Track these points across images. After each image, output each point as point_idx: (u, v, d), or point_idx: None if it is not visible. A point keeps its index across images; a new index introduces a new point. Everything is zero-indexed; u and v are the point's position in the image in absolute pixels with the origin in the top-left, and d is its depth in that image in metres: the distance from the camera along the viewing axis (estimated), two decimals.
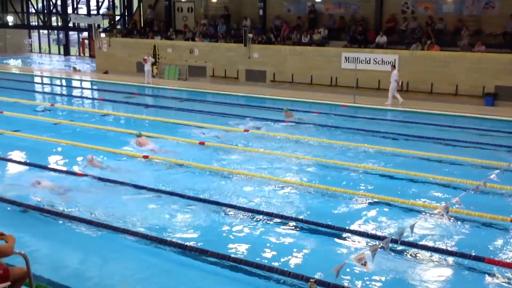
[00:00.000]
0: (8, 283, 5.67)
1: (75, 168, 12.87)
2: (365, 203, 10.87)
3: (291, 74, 25.73)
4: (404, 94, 22.84)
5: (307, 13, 27.71)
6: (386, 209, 10.55)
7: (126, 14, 36.35)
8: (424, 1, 25.06)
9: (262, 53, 26.51)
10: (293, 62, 25.68)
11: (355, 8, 26.70)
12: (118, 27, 35.17)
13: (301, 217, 10.02)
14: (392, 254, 8.33)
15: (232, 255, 8.40)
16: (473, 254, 8.40)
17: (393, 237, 6.93)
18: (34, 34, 44.72)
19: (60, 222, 9.75)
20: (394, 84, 21.24)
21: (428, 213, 10.16)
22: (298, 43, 26.21)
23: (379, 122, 18.55)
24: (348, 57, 24.01)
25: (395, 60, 23.10)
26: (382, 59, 23.41)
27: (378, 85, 23.58)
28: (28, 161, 13.44)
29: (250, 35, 26.59)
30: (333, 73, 24.57)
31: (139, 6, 34.60)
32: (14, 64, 36.62)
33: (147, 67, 26.75)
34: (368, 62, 23.48)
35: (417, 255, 8.60)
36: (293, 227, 9.65)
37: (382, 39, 24.36)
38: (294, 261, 8.42)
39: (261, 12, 28.71)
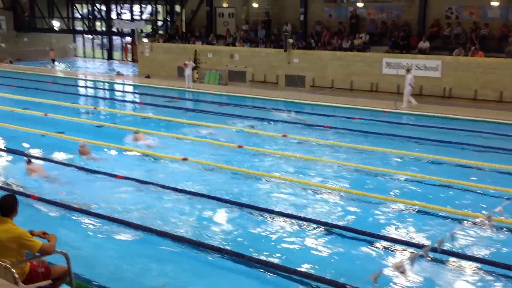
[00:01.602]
0: (49, 281, 5.80)
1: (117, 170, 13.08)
2: (404, 210, 10.70)
3: (331, 79, 25.58)
4: (447, 100, 22.51)
5: (349, 18, 27.53)
6: (426, 217, 10.36)
7: (169, 19, 36.84)
8: (469, 7, 24.53)
9: (302, 59, 26.45)
10: (333, 68, 25.53)
11: (398, 13, 26.37)
12: (160, 32, 35.67)
13: (338, 223, 9.93)
14: (432, 262, 8.16)
15: (270, 260, 8.38)
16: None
17: (432, 245, 6.80)
18: (79, 38, 45.82)
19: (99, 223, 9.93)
20: (409, 88, 21.35)
21: (470, 221, 9.92)
22: (338, 49, 26.04)
23: (420, 128, 18.22)
24: (390, 63, 23.71)
25: (438, 65, 22.70)
26: (424, 65, 23.03)
27: (420, 91, 23.19)
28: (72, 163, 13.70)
29: (290, 40, 26.57)
30: (373, 78, 24.30)
31: (181, 12, 35.02)
32: (59, 68, 37.56)
33: (188, 71, 27.04)
34: (410, 67, 23.10)
35: (457, 264, 8.40)
36: (330, 233, 9.56)
37: (425, 44, 23.98)
38: (330, 267, 8.32)
39: (302, 17, 28.65)
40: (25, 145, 15.49)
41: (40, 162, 13.71)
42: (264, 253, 8.72)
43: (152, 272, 8.12)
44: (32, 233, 5.78)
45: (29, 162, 12.72)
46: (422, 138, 16.60)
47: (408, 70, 21.89)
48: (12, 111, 20.78)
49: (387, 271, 7.29)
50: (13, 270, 5.27)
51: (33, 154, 14.41)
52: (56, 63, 36.17)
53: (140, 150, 14.97)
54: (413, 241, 9.16)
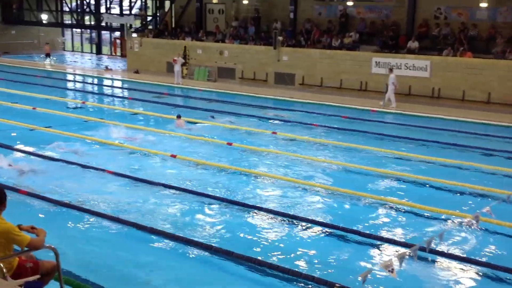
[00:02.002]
0: (38, 276, 5.76)
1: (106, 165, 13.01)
2: (392, 209, 10.76)
3: (320, 77, 25.65)
4: (435, 101, 22.66)
5: (339, 16, 27.59)
6: (414, 217, 10.43)
7: (158, 14, 36.68)
8: (458, 7, 24.70)
9: (291, 56, 26.48)
10: (322, 66, 25.60)
11: (387, 13, 26.48)
12: (150, 27, 35.51)
13: (326, 221, 9.96)
14: (420, 262, 8.21)
15: (258, 258, 8.40)
16: (503, 265, 8.23)
17: (421, 245, 6.84)
18: (68, 32, 45.47)
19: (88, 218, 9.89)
20: (392, 87, 21.54)
21: (458, 221, 10.00)
22: (328, 47, 26.11)
23: (408, 128, 18.33)
24: (379, 62, 23.82)
25: (426, 65, 22.85)
26: (413, 65, 23.16)
27: (409, 91, 23.34)
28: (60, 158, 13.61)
29: (280, 38, 26.58)
30: (363, 77, 24.41)
31: (170, 7, 34.89)
32: (47, 62, 37.26)
33: (177, 67, 26.95)
34: (399, 67, 23.23)
35: (446, 264, 8.47)
36: (319, 232, 9.60)
37: (413, 44, 24.12)
38: (319, 266, 8.35)
39: (292, 15, 28.68)
40: (13, 139, 15.34)
41: (28, 156, 13.63)
42: (253, 250, 8.73)
43: (141, 269, 8.10)
44: (20, 228, 5.73)
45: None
46: (410, 138, 16.71)
47: (391, 70, 22.10)
48: (0, 104, 20.60)
49: (375, 271, 7.36)
50: (1, 265, 5.23)
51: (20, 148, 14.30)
52: (51, 57, 35.29)
53: (128, 146, 14.91)
54: (402, 240, 9.20)
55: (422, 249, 6.97)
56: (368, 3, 26.98)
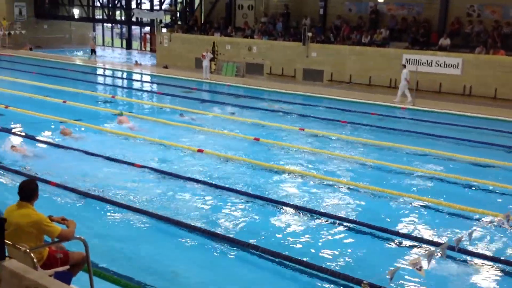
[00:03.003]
0: (67, 267, 5.85)
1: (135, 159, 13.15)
2: (421, 207, 10.64)
3: (349, 74, 25.44)
4: (467, 99, 22.29)
5: (369, 13, 27.33)
6: (443, 215, 10.30)
7: (188, 10, 36.84)
8: (491, 5, 24.21)
9: (320, 53, 26.33)
10: (352, 63, 25.39)
11: (419, 10, 26.11)
12: (179, 23, 35.69)
13: (354, 218, 9.90)
14: (448, 260, 8.11)
15: (283, 252, 8.39)
16: None
17: (450, 244, 6.75)
18: (98, 27, 45.96)
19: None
20: (405, 83, 21.51)
21: (488, 220, 9.84)
22: (358, 44, 25.88)
23: (438, 126, 18.06)
24: (409, 59, 23.51)
25: (458, 63, 22.49)
26: (444, 62, 22.81)
27: (440, 88, 23.01)
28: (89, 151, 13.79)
29: (309, 34, 26.45)
30: (392, 74, 24.12)
31: (200, 3, 35.01)
32: (78, 56, 37.80)
33: (206, 63, 27.04)
34: (430, 64, 22.91)
35: (475, 263, 8.34)
36: (346, 229, 9.54)
37: (445, 41, 23.73)
38: (346, 262, 8.31)
39: (321, 11, 28.51)
40: (44, 131, 15.61)
41: (56, 148, 13.87)
42: (278, 245, 8.73)
43: (164, 260, 8.17)
44: (51, 219, 5.83)
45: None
46: (440, 136, 16.48)
47: (404, 66, 22.05)
48: (31, 97, 20.97)
49: (404, 268, 7.30)
50: (32, 255, 5.32)
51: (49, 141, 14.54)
52: (95, 53, 34.42)
53: (156, 140, 15.02)
54: (430, 238, 9.10)
55: (451, 248, 6.89)
56: None
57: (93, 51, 33.47)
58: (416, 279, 7.57)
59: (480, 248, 8.79)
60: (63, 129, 15.41)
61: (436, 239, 9.03)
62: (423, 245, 8.83)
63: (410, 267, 5.77)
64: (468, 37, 24.01)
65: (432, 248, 6.84)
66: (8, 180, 11.41)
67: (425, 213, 10.43)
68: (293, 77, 27.27)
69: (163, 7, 38.05)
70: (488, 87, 22.05)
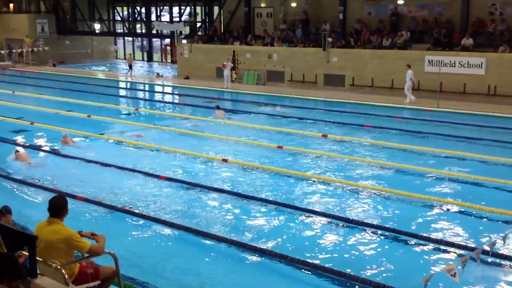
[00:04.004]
0: (98, 282, 5.86)
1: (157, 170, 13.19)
2: (451, 211, 10.46)
3: (371, 78, 25.27)
4: (491, 98, 21.95)
5: (389, 15, 27.14)
6: (475, 218, 10.11)
7: (207, 21, 37.06)
8: None
9: (341, 57, 26.21)
10: (373, 66, 25.21)
11: (440, 10, 25.84)
12: (199, 33, 35.91)
13: (382, 224, 9.77)
14: (483, 265, 7.93)
15: (312, 261, 8.31)
16: None
17: (484, 248, 6.60)
18: (120, 41, 46.50)
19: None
20: (410, 83, 21.82)
21: None
22: (378, 47, 25.71)
23: (464, 127, 17.79)
24: (432, 60, 23.26)
25: (481, 63, 22.18)
26: (468, 62, 22.51)
27: (464, 89, 22.70)
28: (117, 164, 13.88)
29: (329, 39, 26.36)
30: (415, 76, 23.80)
31: (219, 13, 35.19)
32: (100, 70, 38.24)
33: (226, 72, 27.12)
34: (453, 65, 22.64)
35: (510, 267, 8.15)
36: (375, 235, 9.42)
37: (468, 41, 23.43)
38: (376, 270, 8.19)
39: (341, 16, 28.39)
40: (70, 147, 15.76)
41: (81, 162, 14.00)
42: (306, 254, 8.65)
43: (196, 273, 8.15)
44: (81, 234, 5.86)
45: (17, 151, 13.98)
46: (465, 137, 16.23)
47: (409, 66, 22.08)
48: (56, 113, 21.23)
49: (437, 275, 7.14)
50: (63, 271, 5.33)
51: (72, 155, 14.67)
52: (132, 68, 33.16)
53: (180, 150, 15.06)
54: (463, 243, 8.92)
55: (485, 252, 6.74)
56: (419, 1, 26.42)
57: (130, 66, 33.07)
58: (451, 285, 7.41)
59: None
60: (64, 138, 15.78)
61: (469, 244, 8.85)
62: (456, 250, 8.66)
63: (444, 273, 5.64)
64: (491, 36, 23.67)
65: (466, 253, 6.71)
66: (34, 196, 11.52)
67: (455, 216, 10.25)
68: (314, 83, 27.18)
69: (183, 18, 38.32)
70: None
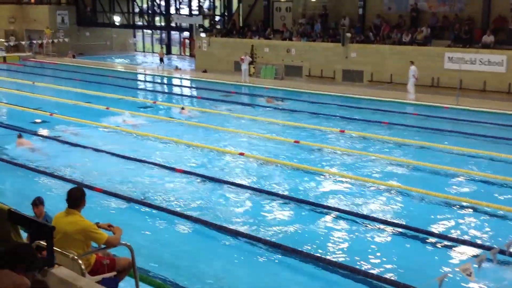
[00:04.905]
0: (114, 273, 5.92)
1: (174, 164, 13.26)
2: (468, 210, 10.37)
3: (390, 74, 25.08)
4: None
5: (409, 11, 26.89)
6: (492, 218, 10.01)
7: (226, 14, 37.06)
8: None
9: (360, 53, 26.05)
10: (392, 62, 25.01)
11: (461, 6, 25.54)
12: (218, 27, 35.92)
13: (398, 222, 9.72)
14: (499, 265, 7.87)
15: (328, 257, 8.31)
16: None
17: (501, 248, 6.55)
18: (139, 33, 46.70)
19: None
20: (413, 79, 22.12)
21: None
22: (398, 43, 25.50)
23: (483, 125, 17.60)
24: (452, 57, 23.03)
25: (502, 60, 21.91)
26: (488, 60, 22.26)
27: (484, 87, 22.45)
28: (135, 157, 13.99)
29: (348, 34, 26.20)
30: (435, 73, 23.68)
31: (238, 7, 35.16)
32: (120, 62, 38.46)
33: (244, 66, 27.12)
34: (474, 62, 22.40)
35: None
36: (391, 232, 9.38)
37: (489, 38, 23.13)
38: (393, 267, 8.16)
39: (360, 11, 28.20)
40: (87, 138, 15.89)
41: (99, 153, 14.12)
42: (321, 249, 8.65)
43: (211, 266, 8.19)
44: (98, 225, 5.91)
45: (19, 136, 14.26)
46: (485, 135, 16.06)
47: (412, 62, 22.21)
48: (75, 104, 21.42)
49: (453, 274, 7.10)
50: (80, 262, 5.39)
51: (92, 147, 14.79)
52: (163, 62, 33.61)
53: (196, 144, 15.12)
54: (479, 242, 8.85)
55: (502, 252, 6.69)
56: None
57: (161, 60, 33.33)
58: (466, 285, 7.36)
59: None
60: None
61: (485, 243, 8.77)
62: (472, 249, 8.59)
63: (460, 272, 5.61)
64: None
65: (482, 252, 6.66)
66: (55, 186, 11.65)
67: (473, 215, 10.15)
68: (332, 79, 27.07)
69: (202, 11, 38.35)
70: None
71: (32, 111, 19.75)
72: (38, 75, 29.88)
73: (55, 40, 39.71)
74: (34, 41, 39.56)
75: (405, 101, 21.70)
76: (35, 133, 16.35)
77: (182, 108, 20.16)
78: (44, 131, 16.72)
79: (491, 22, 24.34)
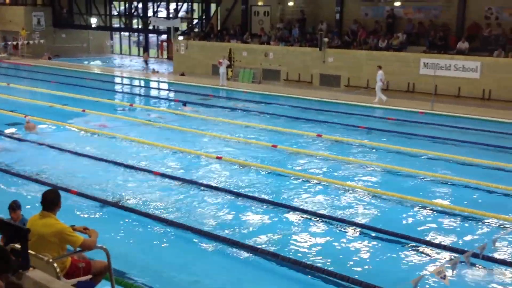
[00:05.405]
0: (90, 276, 5.87)
1: (152, 167, 13.20)
2: (442, 214, 10.52)
3: (367, 79, 25.31)
4: (486, 102, 22.09)
5: (385, 17, 27.20)
6: (466, 222, 10.17)
7: (204, 17, 37.03)
8: (509, 7, 23.96)
9: (337, 58, 26.25)
10: (369, 67, 25.23)
11: (436, 13, 25.92)
12: (196, 30, 35.87)
13: (373, 225, 9.80)
14: (473, 268, 8.00)
15: (304, 261, 8.35)
16: None
17: (474, 251, 6.66)
18: (116, 36, 46.36)
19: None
20: (380, 84, 22.51)
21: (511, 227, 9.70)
22: (375, 48, 25.77)
23: (457, 130, 17.88)
24: (427, 63, 23.36)
25: (477, 66, 22.29)
26: (463, 66, 22.61)
27: (458, 92, 22.81)
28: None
29: (326, 39, 26.39)
30: (410, 79, 23.98)
31: (216, 10, 35.16)
32: (96, 65, 38.14)
33: (222, 69, 27.12)
34: (448, 68, 22.74)
35: (499, 271, 8.21)
36: (367, 236, 9.46)
37: (464, 45, 23.51)
38: (368, 271, 8.23)
39: (337, 16, 28.43)
40: (63, 140, 15.74)
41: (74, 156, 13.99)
42: (298, 253, 8.69)
43: (187, 270, 8.17)
44: (73, 228, 5.86)
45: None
46: (459, 140, 16.31)
47: (380, 67, 22.68)
48: (51, 106, 21.18)
49: (427, 277, 7.21)
50: (55, 265, 5.34)
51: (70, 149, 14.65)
52: (147, 65, 34.05)
53: (174, 147, 15.07)
54: (454, 246, 8.97)
55: (475, 255, 6.81)
56: (416, 3, 26.50)
57: (146, 62, 33.23)
58: None
59: (505, 255, 8.65)
60: (27, 123, 16.61)
61: (459, 247, 8.90)
62: (447, 253, 8.72)
63: (434, 275, 5.69)
64: (487, 40, 23.77)
65: (456, 256, 6.76)
66: (29, 190, 11.50)
67: (447, 219, 10.29)
68: (310, 83, 27.22)
69: (179, 15, 38.27)
70: (507, 90, 21.79)
71: (7, 112, 19.46)
72: (13, 77, 29.48)
73: (31, 42, 39.21)
74: (9, 43, 38.96)
75: (381, 106, 21.92)
76: (10, 135, 16.12)
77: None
78: (18, 133, 16.48)
79: (465, 29, 24.76)
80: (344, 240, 9.30)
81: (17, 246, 5.10)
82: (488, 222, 10.09)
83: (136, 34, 44.46)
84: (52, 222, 5.72)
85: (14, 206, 7.38)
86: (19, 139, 15.76)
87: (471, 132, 17.64)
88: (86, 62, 38.31)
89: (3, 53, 39.00)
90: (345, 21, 28.45)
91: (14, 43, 39.51)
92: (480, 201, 11.26)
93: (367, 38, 26.52)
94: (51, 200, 5.82)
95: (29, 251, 5.12)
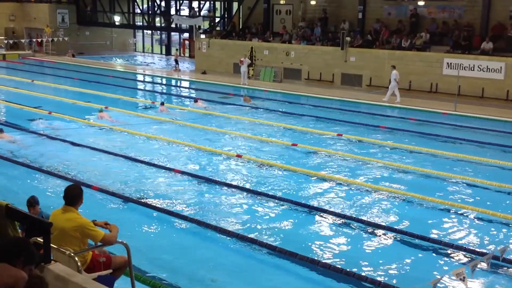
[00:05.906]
0: (110, 271, 5.94)
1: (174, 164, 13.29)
2: (464, 216, 10.42)
3: (389, 79, 25.08)
4: (510, 104, 21.76)
5: (409, 16, 26.98)
6: (488, 224, 10.05)
7: (226, 16, 37.11)
8: None
9: (359, 57, 26.11)
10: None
11: (460, 13, 25.63)
12: (218, 28, 35.96)
13: (394, 226, 9.76)
14: (493, 271, 7.91)
15: (322, 260, 8.34)
16: None
17: (494, 253, 6.59)
18: (139, 34, 46.66)
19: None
20: (394, 83, 22.35)
21: None
22: (397, 48, 25.55)
23: (481, 132, 17.65)
24: (451, 63, 23.11)
25: (501, 67, 21.99)
26: (487, 66, 22.33)
27: (482, 93, 22.53)
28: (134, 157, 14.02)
29: (348, 38, 26.27)
30: (433, 79, 23.75)
31: (238, 9, 35.22)
32: (119, 62, 38.47)
33: (243, 68, 27.16)
34: (472, 69, 22.48)
35: None
36: (386, 237, 9.42)
37: (488, 45, 23.21)
38: (387, 271, 8.19)
39: (360, 15, 28.28)
40: (86, 137, 15.92)
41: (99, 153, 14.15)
42: (316, 253, 8.69)
43: (206, 266, 8.22)
44: (95, 223, 5.93)
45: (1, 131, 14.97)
46: (483, 142, 16.11)
47: (394, 67, 22.64)
48: (74, 103, 21.43)
49: (446, 278, 7.15)
50: (76, 259, 5.42)
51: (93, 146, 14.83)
52: (178, 64, 33.12)
53: (194, 145, 15.15)
54: (474, 248, 8.89)
55: (496, 257, 6.73)
56: (440, 2, 26.23)
57: (176, 61, 33.07)
58: None
59: None
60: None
61: (480, 249, 8.82)
62: (467, 255, 8.63)
63: (453, 277, 5.65)
64: (511, 40, 23.42)
65: (476, 258, 6.70)
66: (52, 185, 11.67)
67: (468, 221, 10.20)
68: (331, 82, 27.13)
69: (202, 13, 38.40)
70: None
71: (31, 109, 19.76)
72: (38, 74, 29.88)
73: (55, 39, 39.68)
74: (34, 39, 39.46)
75: (403, 106, 21.74)
76: (34, 131, 16.37)
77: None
78: (42, 129, 16.72)
79: (490, 29, 24.43)
80: (363, 240, 9.27)
81: (39, 239, 5.19)
82: (510, 225, 9.96)
83: (158, 32, 44.71)
84: (74, 217, 5.81)
85: (33, 202, 7.46)
86: (43, 135, 15.99)
87: (494, 133, 17.40)
88: (109, 60, 38.62)
89: (28, 50, 39.54)
90: (368, 20, 28.28)
91: (39, 40, 40.01)
92: (503, 203, 11.10)
93: (390, 37, 26.32)
94: (73, 195, 5.90)
95: (52, 245, 5.20)
